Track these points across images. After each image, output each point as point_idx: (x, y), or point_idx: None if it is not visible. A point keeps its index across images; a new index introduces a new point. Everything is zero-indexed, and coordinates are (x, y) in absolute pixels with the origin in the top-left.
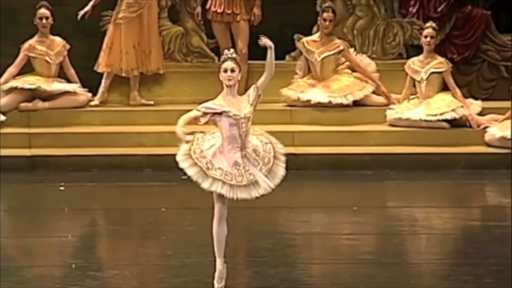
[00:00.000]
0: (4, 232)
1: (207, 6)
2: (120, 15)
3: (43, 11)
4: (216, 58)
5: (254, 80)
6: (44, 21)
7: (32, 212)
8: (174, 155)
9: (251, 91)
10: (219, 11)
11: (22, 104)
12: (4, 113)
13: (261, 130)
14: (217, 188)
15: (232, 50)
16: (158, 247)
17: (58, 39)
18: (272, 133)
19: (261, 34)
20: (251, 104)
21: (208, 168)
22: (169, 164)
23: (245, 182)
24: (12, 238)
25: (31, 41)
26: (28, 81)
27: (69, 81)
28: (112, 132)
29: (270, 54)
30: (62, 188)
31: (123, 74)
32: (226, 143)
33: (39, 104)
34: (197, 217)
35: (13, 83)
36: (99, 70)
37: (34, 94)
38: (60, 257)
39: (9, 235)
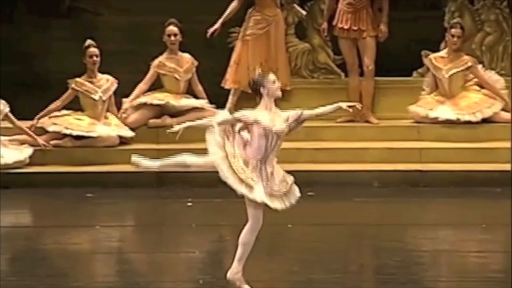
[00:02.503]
0: (133, 247)
1: (334, 22)
2: (247, 32)
3: (172, 28)
4: (342, 74)
5: (381, 97)
6: (172, 38)
7: (160, 227)
8: (300, 171)
9: (292, 114)
10: (345, 27)
11: (151, 120)
12: (133, 129)
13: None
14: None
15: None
16: (284, 263)
17: (186, 56)
18: (399, 149)
19: (387, 50)
20: (287, 125)
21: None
22: (296, 180)
23: (242, 176)
24: (141, 253)
25: (160, 58)
26: (157, 97)
27: (196, 97)
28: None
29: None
30: (189, 204)
31: (250, 91)
32: (252, 151)
33: (168, 120)
34: (324, 233)
35: (143, 99)
36: (226, 86)
37: (162, 110)
38: (188, 273)
39: (138, 250)
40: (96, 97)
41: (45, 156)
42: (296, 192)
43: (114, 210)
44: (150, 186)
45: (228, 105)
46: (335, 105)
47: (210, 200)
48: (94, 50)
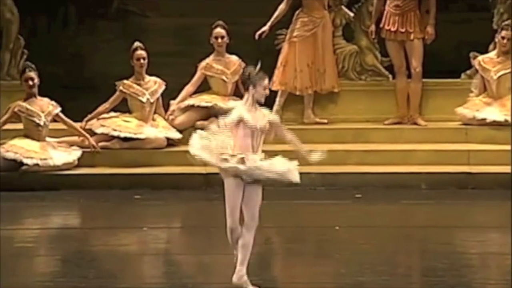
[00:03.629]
0: (180, 249)
1: (381, 24)
2: (294, 34)
3: (219, 30)
4: (390, 76)
5: (429, 99)
6: (219, 40)
7: (208, 229)
8: (348, 174)
9: (269, 116)
10: (392, 29)
11: (199, 122)
12: (181, 131)
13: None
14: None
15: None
16: (332, 266)
17: (234, 57)
18: (446, 151)
19: (435, 52)
20: (267, 122)
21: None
22: (343, 182)
23: (246, 166)
24: (189, 255)
25: (208, 60)
26: (204, 99)
27: None
28: (286, 150)
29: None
30: None
31: (297, 93)
32: (238, 150)
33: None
34: (372, 236)
35: (190, 101)
36: (274, 88)
37: (210, 112)
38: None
39: (186, 252)
40: (144, 99)
41: (94, 158)
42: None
43: (162, 212)
44: (198, 188)
45: (276, 107)
46: (304, 152)
47: None
48: (141, 52)
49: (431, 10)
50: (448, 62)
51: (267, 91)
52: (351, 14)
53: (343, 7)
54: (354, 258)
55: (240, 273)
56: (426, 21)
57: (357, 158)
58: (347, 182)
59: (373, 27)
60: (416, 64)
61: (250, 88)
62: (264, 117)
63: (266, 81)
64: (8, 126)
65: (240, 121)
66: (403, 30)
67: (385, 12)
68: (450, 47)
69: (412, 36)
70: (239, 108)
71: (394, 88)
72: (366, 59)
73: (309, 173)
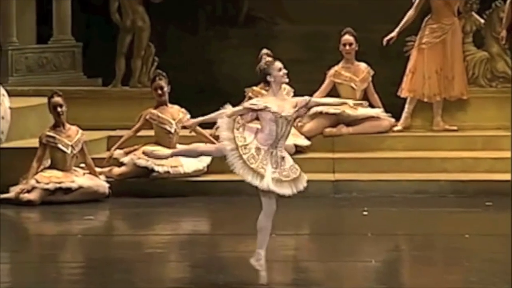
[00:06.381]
0: (309, 256)
1: None
2: (423, 40)
3: (348, 38)
4: None
5: None
6: (347, 47)
7: (336, 236)
8: (477, 181)
9: (300, 100)
10: None
11: (327, 129)
12: (309, 138)
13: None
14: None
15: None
16: (462, 274)
17: (363, 65)
18: None
19: None
20: (296, 111)
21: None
22: (472, 190)
23: (253, 166)
24: (317, 262)
25: (336, 67)
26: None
27: (372, 106)
28: (415, 157)
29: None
30: (365, 212)
31: (425, 99)
32: (263, 137)
33: (343, 129)
34: (502, 244)
35: (319, 108)
36: (402, 95)
37: (338, 119)
38: (364, 282)
39: (314, 259)
40: None
41: (223, 165)
42: (304, 180)
43: (290, 218)
44: (326, 195)
45: (405, 114)
46: (341, 100)
47: (386, 209)
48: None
49: None
50: None
51: (284, 71)
52: (482, 21)
53: (473, 13)
54: (484, 267)
55: (258, 256)
56: None
57: (487, 165)
58: (477, 190)
59: (504, 33)
60: None
61: (268, 78)
62: (292, 107)
63: (277, 63)
64: (139, 133)
65: (263, 109)
66: None
67: None
68: None
69: None
70: (263, 98)
71: None
72: (497, 65)
73: (439, 180)
